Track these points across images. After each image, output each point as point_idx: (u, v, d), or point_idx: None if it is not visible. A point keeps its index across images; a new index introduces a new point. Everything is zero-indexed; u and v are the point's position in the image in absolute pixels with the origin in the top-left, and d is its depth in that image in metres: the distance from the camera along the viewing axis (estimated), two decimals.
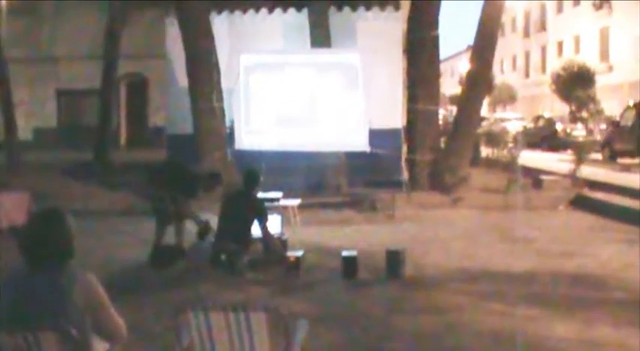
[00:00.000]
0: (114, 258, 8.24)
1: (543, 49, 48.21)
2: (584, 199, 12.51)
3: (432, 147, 13.77)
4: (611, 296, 6.44)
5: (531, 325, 5.45)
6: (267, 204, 7.95)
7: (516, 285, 6.79)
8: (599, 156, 19.39)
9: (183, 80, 13.76)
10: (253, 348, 3.20)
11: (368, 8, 14.16)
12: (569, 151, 16.77)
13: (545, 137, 27.33)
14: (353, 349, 5.17)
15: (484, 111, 31.03)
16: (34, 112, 27.27)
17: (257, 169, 8.19)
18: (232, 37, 14.12)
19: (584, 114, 31.79)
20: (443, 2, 13.87)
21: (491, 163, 17.30)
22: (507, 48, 50.87)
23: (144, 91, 28.05)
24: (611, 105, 31.56)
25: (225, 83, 13.45)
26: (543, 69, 46.56)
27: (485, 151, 19.24)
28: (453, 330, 5.45)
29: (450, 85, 58.83)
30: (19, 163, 18.01)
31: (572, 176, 13.89)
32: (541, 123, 29.76)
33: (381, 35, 13.77)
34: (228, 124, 13.51)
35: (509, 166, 14.40)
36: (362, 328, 5.52)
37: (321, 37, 13.41)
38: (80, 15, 26.27)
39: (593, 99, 33.03)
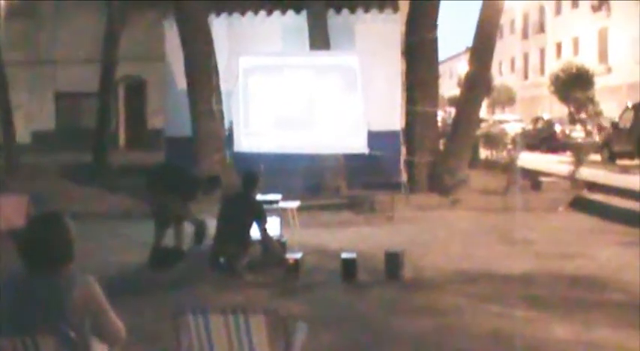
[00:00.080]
0: (113, 260, 8.23)
1: (542, 51, 48.24)
2: (583, 201, 12.50)
3: (431, 149, 13.76)
4: (610, 298, 6.44)
5: (530, 326, 5.46)
6: (266, 206, 7.94)
7: (515, 287, 6.79)
8: (598, 157, 19.39)
9: (181, 82, 13.76)
10: (252, 350, 3.20)
11: (366, 10, 14.19)
12: (568, 153, 16.79)
13: (544, 139, 27.33)
14: None
15: (483, 113, 31.03)
16: (33, 114, 27.21)
17: (256, 172, 8.21)
18: (231, 39, 14.13)
19: (583, 115, 31.79)
20: (441, 4, 13.90)
21: (490, 165, 17.33)
22: (506, 49, 50.90)
23: (142, 94, 28.00)
24: (610, 106, 31.57)
25: (223, 85, 13.45)
26: (542, 70, 46.58)
27: (484, 153, 19.28)
28: (452, 332, 5.45)
29: (449, 86, 58.90)
30: (18, 166, 18.00)
31: (571, 178, 13.88)
32: (540, 124, 29.75)
33: (380, 37, 13.81)
34: (227, 126, 13.51)
35: (508, 168, 14.40)
36: (361, 330, 5.53)
37: (319, 39, 13.42)
38: (79, 18, 26.22)
39: (592, 100, 33.06)
